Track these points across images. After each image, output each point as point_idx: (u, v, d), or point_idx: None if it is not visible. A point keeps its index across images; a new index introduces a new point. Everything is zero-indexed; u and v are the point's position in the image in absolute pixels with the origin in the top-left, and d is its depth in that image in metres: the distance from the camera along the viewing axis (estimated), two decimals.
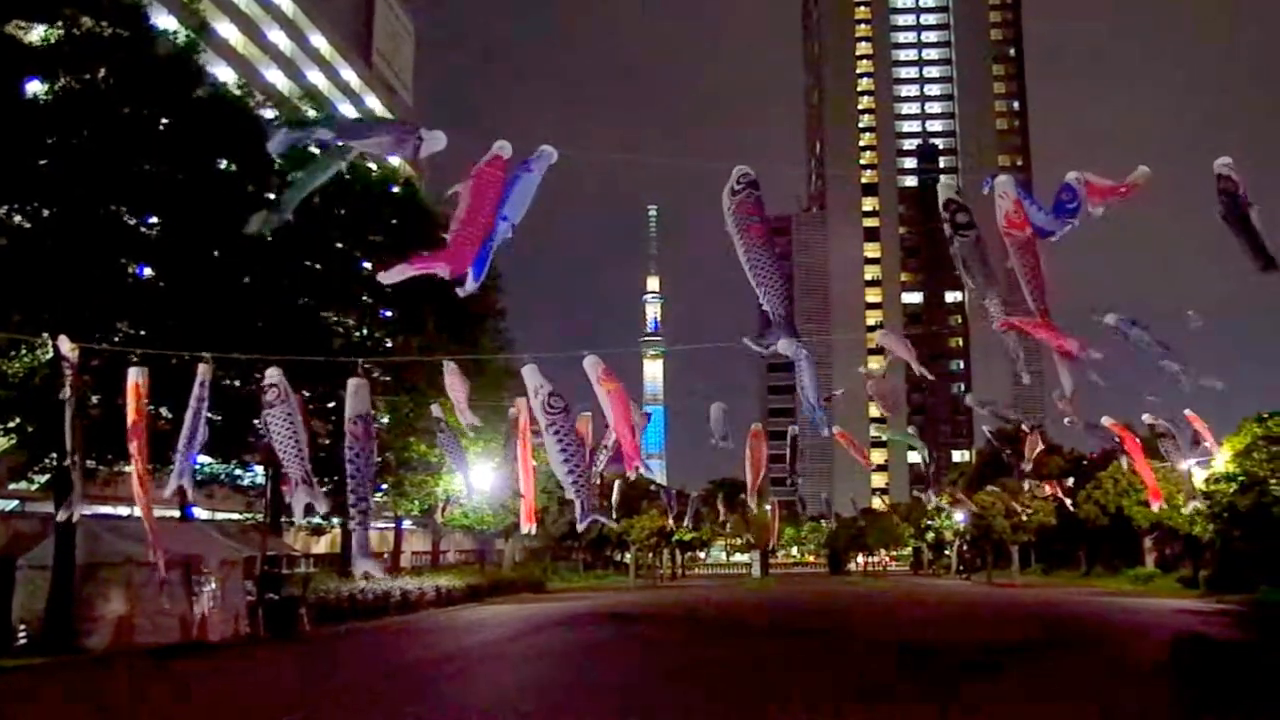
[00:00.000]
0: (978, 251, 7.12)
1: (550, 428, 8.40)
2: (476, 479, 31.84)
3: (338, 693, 15.79)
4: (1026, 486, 46.02)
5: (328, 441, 28.49)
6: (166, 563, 21.60)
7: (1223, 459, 34.44)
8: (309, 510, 7.99)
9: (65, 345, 8.50)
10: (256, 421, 19.23)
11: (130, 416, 8.47)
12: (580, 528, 9.02)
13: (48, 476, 22.01)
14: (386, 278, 6.42)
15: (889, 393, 10.23)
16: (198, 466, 20.25)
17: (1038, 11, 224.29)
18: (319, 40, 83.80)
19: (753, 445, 17.25)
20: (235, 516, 31.04)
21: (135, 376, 8.51)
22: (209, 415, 9.33)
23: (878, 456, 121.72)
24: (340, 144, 6.65)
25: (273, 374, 8.46)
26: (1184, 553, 46.75)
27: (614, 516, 37.82)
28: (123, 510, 26.30)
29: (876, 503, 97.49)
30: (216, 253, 21.86)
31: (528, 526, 12.03)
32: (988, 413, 14.68)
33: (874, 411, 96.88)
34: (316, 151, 7.49)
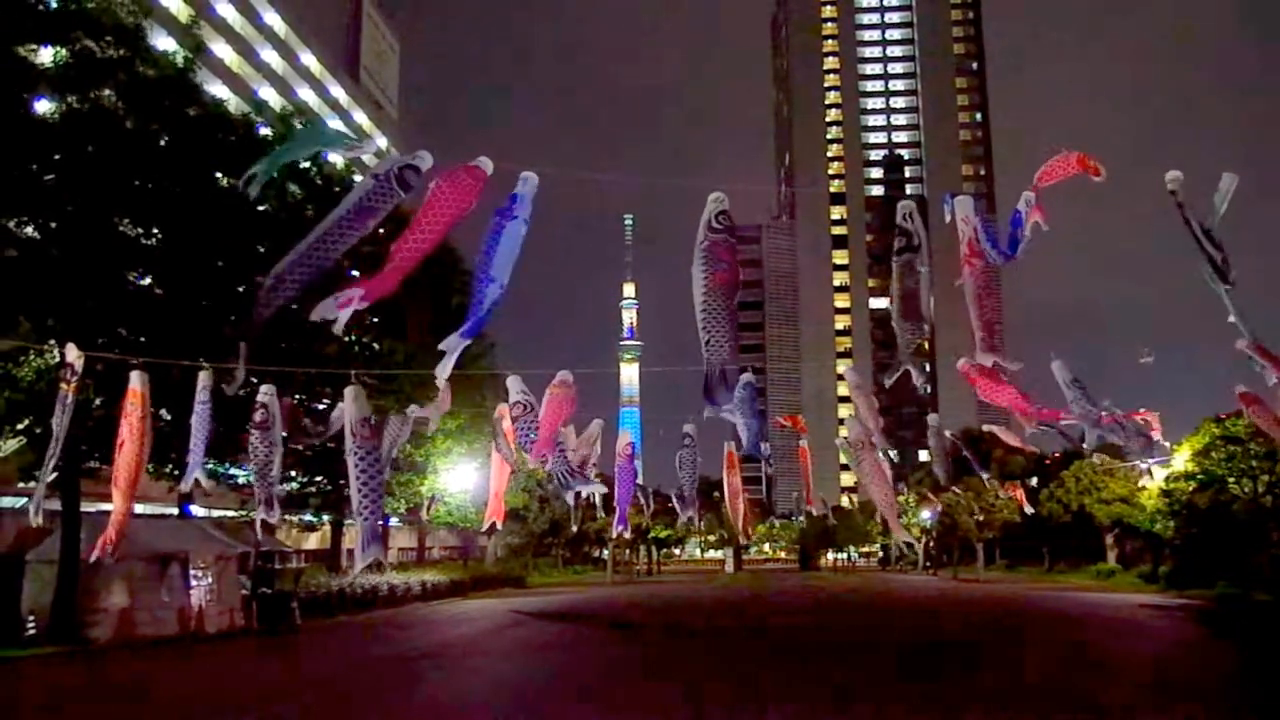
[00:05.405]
0: (909, 274, 7.58)
1: (517, 429, 8.60)
2: (459, 478, 32.99)
3: (326, 681, 16.49)
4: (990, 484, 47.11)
5: (316, 443, 29.34)
6: (162, 555, 22.61)
7: (1182, 459, 35.41)
8: (266, 526, 8.44)
9: (72, 353, 8.30)
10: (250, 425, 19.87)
11: (130, 422, 8.18)
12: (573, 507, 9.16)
13: (55, 475, 22.75)
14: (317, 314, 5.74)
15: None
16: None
17: (999, 23, 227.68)
18: (309, 59, 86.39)
19: (729, 474, 15.29)
20: (230, 514, 31.93)
21: (136, 382, 8.23)
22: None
23: (846, 456, 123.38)
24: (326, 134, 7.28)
25: (265, 394, 8.43)
26: (1144, 549, 47.81)
27: (598, 517, 38.78)
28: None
29: (846, 501, 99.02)
30: (216, 263, 22.78)
31: (491, 521, 12.22)
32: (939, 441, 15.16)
33: (843, 412, 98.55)
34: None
